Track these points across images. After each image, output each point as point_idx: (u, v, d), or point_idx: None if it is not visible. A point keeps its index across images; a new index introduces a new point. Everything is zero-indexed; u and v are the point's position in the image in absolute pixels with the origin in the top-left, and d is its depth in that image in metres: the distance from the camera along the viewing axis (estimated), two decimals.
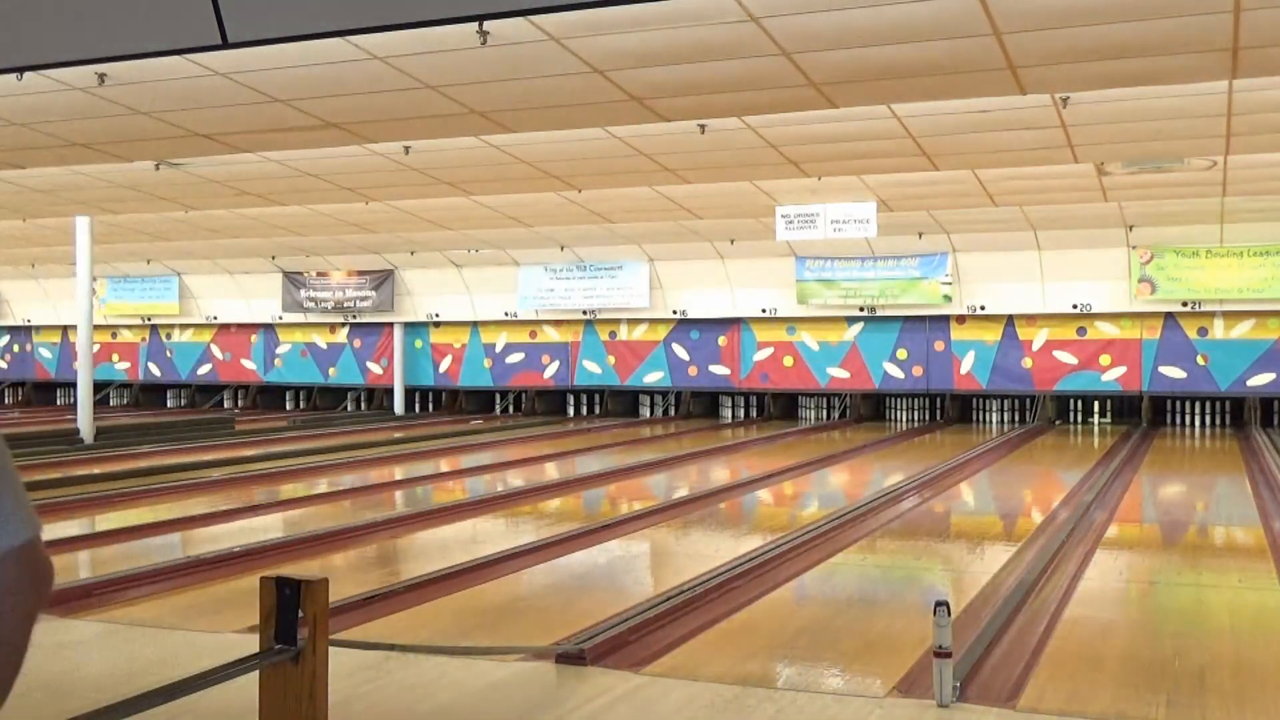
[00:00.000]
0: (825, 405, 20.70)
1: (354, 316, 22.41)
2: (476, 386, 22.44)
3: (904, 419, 20.09)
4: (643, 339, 20.97)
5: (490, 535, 8.74)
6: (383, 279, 21.89)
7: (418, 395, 23.24)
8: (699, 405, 21.28)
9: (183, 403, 25.17)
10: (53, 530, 8.69)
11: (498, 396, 22.88)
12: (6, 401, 26.86)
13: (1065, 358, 18.42)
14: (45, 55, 4.62)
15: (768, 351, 20.17)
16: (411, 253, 20.44)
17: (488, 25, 6.50)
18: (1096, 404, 19.33)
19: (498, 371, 22.11)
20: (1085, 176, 12.31)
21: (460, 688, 4.56)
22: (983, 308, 18.40)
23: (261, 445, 15.85)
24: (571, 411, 22.17)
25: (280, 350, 23.82)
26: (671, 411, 21.22)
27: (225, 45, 4.26)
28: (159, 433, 17.42)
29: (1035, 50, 6.81)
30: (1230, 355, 17.53)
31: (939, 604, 4.22)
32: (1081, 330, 18.32)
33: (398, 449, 15.45)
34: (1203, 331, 17.68)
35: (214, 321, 23.83)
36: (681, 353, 20.71)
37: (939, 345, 19.09)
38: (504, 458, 14.27)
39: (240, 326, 23.94)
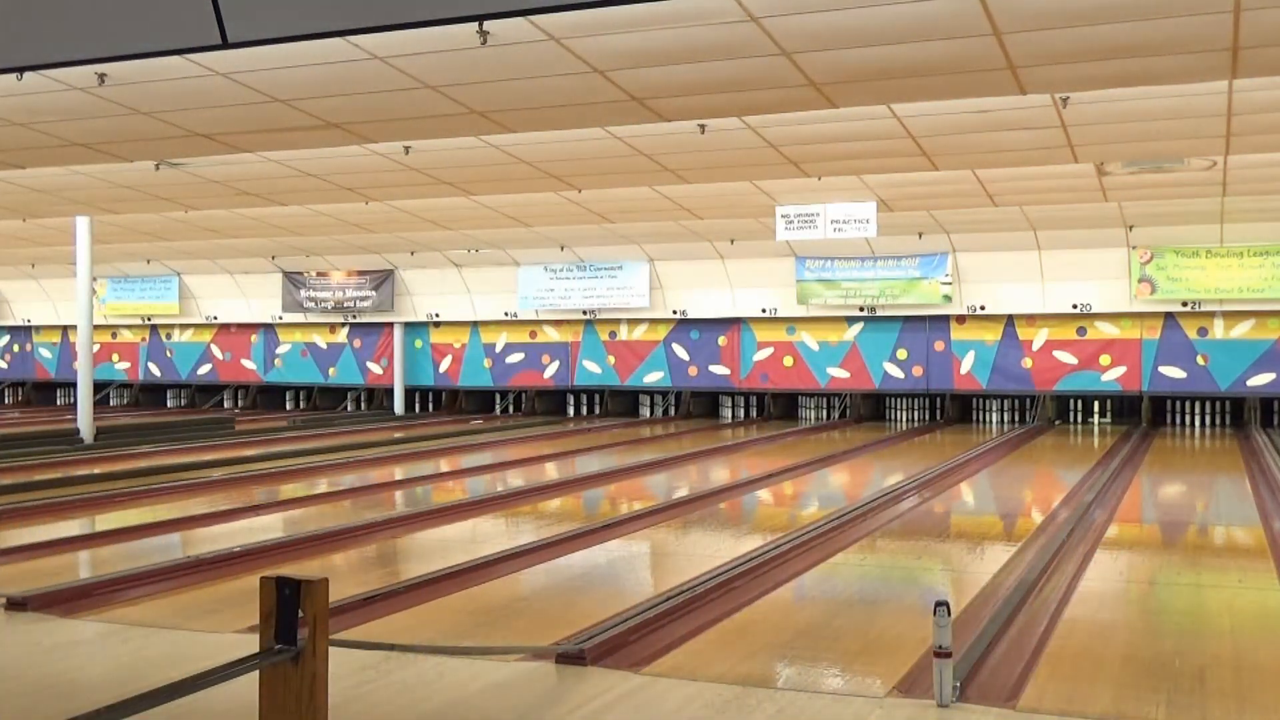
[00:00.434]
0: (825, 405, 20.71)
1: (354, 316, 22.41)
2: (476, 386, 22.44)
3: (904, 419, 20.09)
4: (643, 339, 20.98)
5: (490, 535, 8.74)
6: (383, 279, 21.89)
7: (418, 395, 23.25)
8: (699, 405, 21.29)
9: (183, 403, 25.18)
10: (53, 530, 8.70)
11: (498, 396, 22.89)
12: (6, 401, 26.87)
13: (1065, 358, 18.43)
14: (45, 55, 4.62)
15: (768, 351, 20.18)
16: (411, 253, 20.45)
17: (488, 25, 6.50)
18: (1096, 404, 19.34)
19: (498, 371, 22.12)
20: (1085, 176, 12.31)
21: (460, 688, 4.56)
22: (983, 308, 18.41)
23: (261, 445, 15.85)
24: (571, 411, 22.18)
25: (280, 350, 23.82)
26: (671, 411, 21.22)
27: (225, 45, 4.26)
28: (159, 433, 17.41)
29: (1035, 50, 6.81)
30: (1230, 355, 17.53)
31: (939, 604, 4.22)
32: (1081, 330, 18.33)
33: (398, 449, 15.45)
34: (1203, 331, 17.69)
35: (214, 321, 23.83)
36: (681, 353, 20.72)
37: (939, 345, 19.10)
38: (504, 458, 14.27)
39: (240, 326, 23.94)
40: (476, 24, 6.45)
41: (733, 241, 18.05)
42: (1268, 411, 17.91)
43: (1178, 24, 6.35)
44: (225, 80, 7.76)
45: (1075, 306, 17.88)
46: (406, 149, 10.71)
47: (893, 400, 20.37)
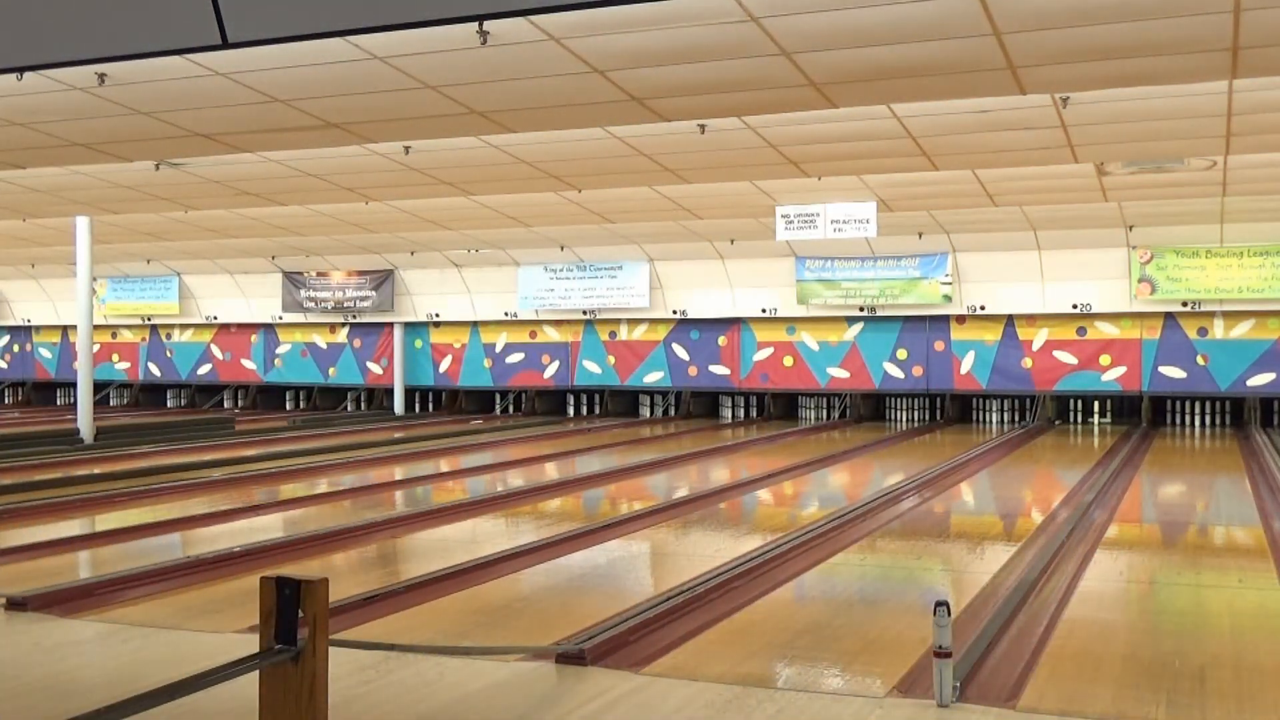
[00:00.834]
0: (825, 405, 20.71)
1: (354, 316, 22.41)
2: (476, 386, 22.44)
3: (904, 419, 20.09)
4: (643, 339, 20.98)
5: (490, 535, 8.74)
6: (383, 279, 21.90)
7: (418, 395, 23.25)
8: (699, 405, 21.29)
9: (183, 403, 25.18)
10: (53, 530, 8.70)
11: (498, 396, 22.89)
12: (6, 401, 26.87)
13: (1065, 358, 18.43)
14: (45, 55, 4.62)
15: (768, 351, 20.18)
16: (411, 253, 20.45)
17: (488, 25, 6.50)
18: (1096, 404, 19.34)
19: (498, 371, 22.12)
20: (1085, 176, 12.31)
21: (460, 688, 4.56)
22: (983, 308, 18.41)
23: (261, 445, 15.85)
24: (571, 411, 22.18)
25: (280, 350, 23.82)
26: (671, 411, 21.22)
27: (225, 45, 4.26)
28: (159, 433, 17.41)
29: (1035, 50, 6.81)
30: (1230, 355, 17.53)
31: (939, 604, 4.22)
32: (1081, 330, 18.33)
33: (398, 449, 15.45)
34: (1203, 331, 17.69)
35: (214, 321, 23.83)
36: (681, 353, 20.72)
37: (939, 345, 19.10)
38: (504, 458, 14.27)
39: (240, 326, 23.94)
40: (476, 24, 6.45)
41: (733, 241, 18.05)
42: (1268, 411, 17.91)
43: (1178, 24, 6.35)
44: (225, 80, 7.77)
45: (1075, 306, 17.88)
46: (406, 149, 10.71)
47: (893, 400, 20.37)
